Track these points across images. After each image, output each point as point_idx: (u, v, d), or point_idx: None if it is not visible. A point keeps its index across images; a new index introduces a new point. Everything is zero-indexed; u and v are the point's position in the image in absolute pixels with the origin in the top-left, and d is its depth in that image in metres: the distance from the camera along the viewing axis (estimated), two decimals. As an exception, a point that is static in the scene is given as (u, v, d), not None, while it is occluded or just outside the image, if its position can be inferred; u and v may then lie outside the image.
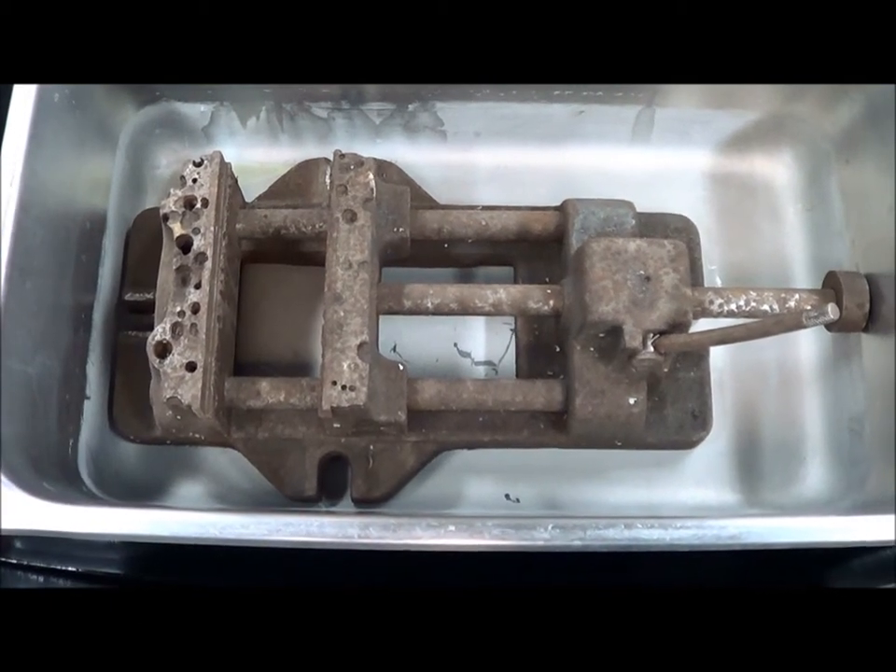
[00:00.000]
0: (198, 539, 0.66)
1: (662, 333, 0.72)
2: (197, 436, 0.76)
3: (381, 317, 0.79)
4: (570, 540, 0.66)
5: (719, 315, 0.76)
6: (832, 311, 0.63)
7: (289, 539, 0.66)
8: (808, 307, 0.76)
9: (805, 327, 0.64)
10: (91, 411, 0.79)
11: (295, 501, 0.77)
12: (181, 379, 0.70)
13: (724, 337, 0.71)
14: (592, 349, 0.75)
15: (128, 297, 0.80)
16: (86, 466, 0.77)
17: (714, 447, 0.82)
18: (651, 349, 0.71)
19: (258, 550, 0.72)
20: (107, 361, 0.80)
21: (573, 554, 0.69)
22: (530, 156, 0.89)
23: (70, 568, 0.75)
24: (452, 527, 0.66)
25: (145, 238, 0.81)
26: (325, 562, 0.74)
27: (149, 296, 0.76)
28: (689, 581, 0.74)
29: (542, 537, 0.66)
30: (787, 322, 0.66)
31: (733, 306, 0.76)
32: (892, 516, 0.68)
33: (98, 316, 0.80)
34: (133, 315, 0.80)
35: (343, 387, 0.70)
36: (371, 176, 0.75)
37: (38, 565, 0.74)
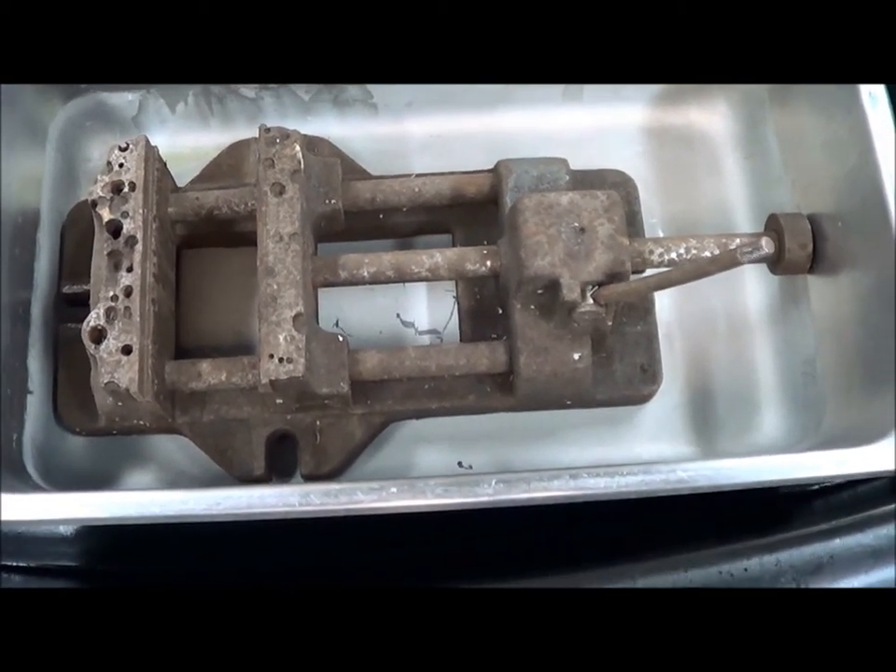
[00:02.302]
0: (140, 519, 0.66)
1: (600, 285, 0.71)
2: (142, 423, 0.75)
3: (322, 293, 0.79)
4: (515, 494, 0.65)
5: (660, 264, 0.76)
6: (766, 244, 0.62)
7: (230, 511, 0.65)
8: (743, 244, 0.75)
9: (740, 263, 0.63)
10: (35, 405, 0.78)
11: (245, 482, 0.76)
12: (117, 363, 0.70)
13: (662, 282, 0.70)
14: (532, 307, 0.74)
15: (66, 289, 0.79)
16: (32, 460, 0.76)
17: (667, 401, 0.81)
18: (591, 301, 0.71)
19: (212, 535, 0.72)
20: (49, 355, 0.79)
21: (525, 512, 0.68)
22: (463, 122, 0.88)
23: (23, 564, 0.74)
24: (394, 489, 0.65)
25: (80, 230, 0.80)
26: (280, 545, 0.74)
27: (87, 287, 0.75)
28: (646, 532, 0.74)
29: (486, 492, 0.65)
30: (722, 260, 0.65)
31: (673, 255, 0.76)
32: (842, 450, 0.68)
33: (37, 311, 0.79)
34: (73, 308, 0.79)
35: (281, 360, 0.69)
36: (298, 148, 0.75)
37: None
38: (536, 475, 0.66)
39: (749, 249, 0.62)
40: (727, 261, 0.65)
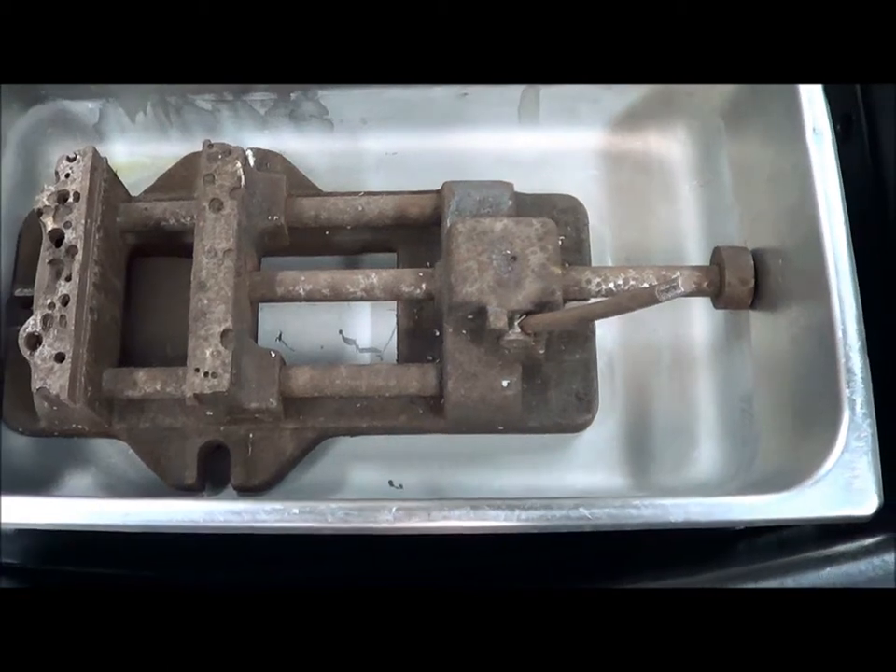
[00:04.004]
0: (52, 525, 0.68)
1: (529, 313, 0.71)
2: (81, 427, 0.77)
3: (266, 306, 0.80)
4: (414, 522, 0.66)
5: (597, 294, 0.75)
6: (682, 284, 0.62)
7: (137, 523, 0.66)
8: (661, 281, 0.74)
9: (658, 301, 0.62)
10: (-21, 404, 0.80)
11: (178, 490, 0.77)
12: (50, 370, 0.71)
13: (585, 314, 0.70)
14: (464, 332, 0.74)
15: (17, 293, 0.81)
16: (-27, 459, 0.79)
17: (604, 430, 0.80)
18: (518, 330, 0.71)
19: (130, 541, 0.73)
20: (-3, 356, 0.81)
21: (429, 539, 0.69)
22: (418, 141, 0.88)
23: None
24: (296, 510, 0.66)
25: (37, 235, 0.81)
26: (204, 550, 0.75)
27: (38, 291, 0.77)
28: (555, 567, 0.73)
29: (385, 519, 0.66)
30: (641, 297, 0.65)
31: (611, 285, 0.75)
32: (756, 496, 0.67)
33: (-13, 312, 0.81)
34: (24, 311, 0.80)
35: (206, 374, 0.71)
36: (239, 165, 0.76)
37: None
38: (436, 504, 0.66)
39: (666, 287, 0.62)
40: (645, 299, 0.64)
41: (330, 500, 0.67)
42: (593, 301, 0.75)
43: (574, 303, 0.75)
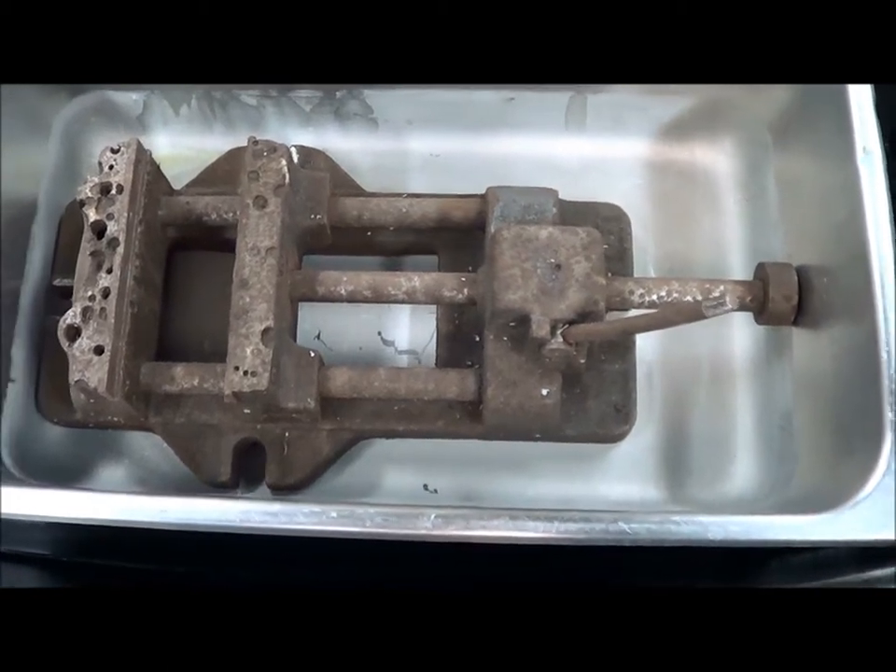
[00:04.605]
0: (86, 520, 0.67)
1: (572, 323, 0.71)
2: (116, 419, 0.77)
3: (306, 305, 0.79)
4: (452, 530, 0.66)
5: (640, 305, 0.75)
6: (730, 300, 0.61)
7: (172, 521, 0.66)
8: (708, 297, 0.74)
9: (705, 317, 0.61)
10: (17, 393, 0.80)
11: (211, 486, 0.77)
12: (88, 362, 0.71)
13: (628, 327, 0.70)
14: (505, 338, 0.73)
15: (56, 282, 0.81)
16: (8, 448, 0.78)
17: (640, 441, 0.80)
18: (560, 339, 0.70)
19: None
20: (34, 345, 0.81)
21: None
22: (463, 144, 0.88)
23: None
24: (334, 514, 0.66)
25: (77, 225, 0.80)
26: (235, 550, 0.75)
27: (76, 281, 0.77)
28: (583, 577, 0.73)
29: (424, 525, 0.65)
30: (687, 312, 0.65)
31: (654, 297, 0.75)
32: (798, 517, 0.67)
33: (26, 301, 0.81)
34: (63, 301, 0.80)
35: (246, 373, 0.70)
36: (284, 163, 0.75)
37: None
38: (475, 513, 0.66)
39: (714, 303, 0.61)
40: (692, 314, 0.64)
41: (368, 504, 0.68)
42: (634, 312, 0.74)
43: (615, 314, 0.75)
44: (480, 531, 0.65)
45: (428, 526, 0.65)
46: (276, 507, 0.67)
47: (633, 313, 0.74)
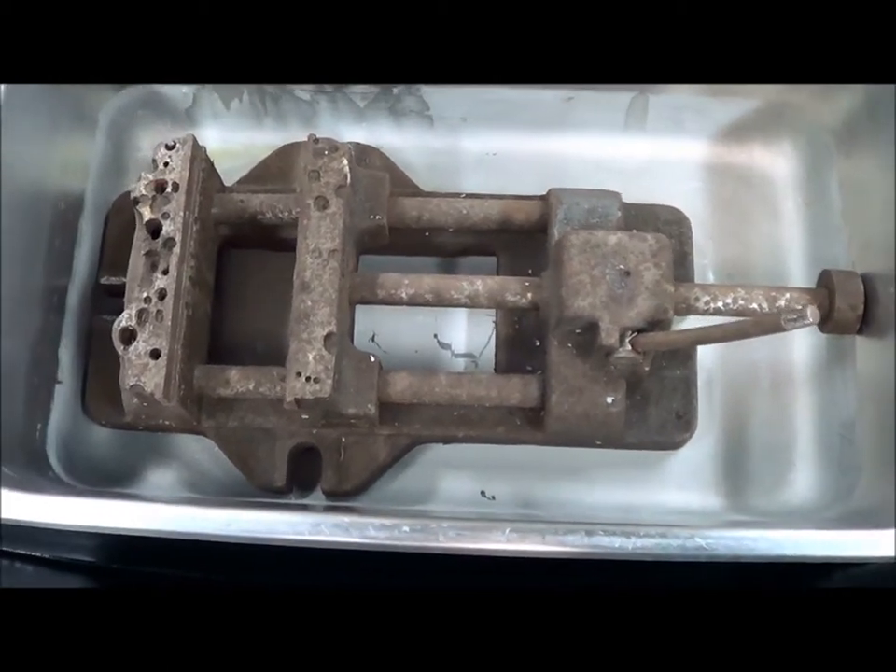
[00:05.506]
0: (144, 532, 0.65)
1: (640, 331, 0.70)
2: (167, 423, 0.75)
3: (359, 307, 0.77)
4: (527, 545, 0.64)
5: (705, 312, 0.73)
6: (811, 314, 0.60)
7: (240, 534, 0.65)
8: (788, 309, 0.73)
9: (784, 330, 0.60)
10: (64, 395, 0.78)
11: (265, 492, 0.76)
12: (145, 366, 0.69)
13: (701, 337, 0.68)
14: (570, 345, 0.72)
15: (104, 280, 0.79)
16: (55, 451, 0.77)
17: (700, 449, 0.79)
18: (629, 347, 0.69)
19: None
20: (82, 345, 0.79)
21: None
22: (519, 143, 0.86)
23: (37, 554, 0.74)
24: (406, 528, 0.64)
25: (124, 221, 0.79)
26: (289, 559, 0.74)
27: (125, 279, 0.74)
28: (651, 585, 0.72)
29: (498, 540, 0.64)
30: (765, 324, 0.63)
31: (720, 304, 0.73)
32: (873, 531, 0.66)
33: (73, 300, 0.79)
34: (110, 299, 0.78)
35: (308, 379, 0.69)
36: (346, 162, 0.73)
37: (5, 549, 0.74)
38: (550, 528, 0.65)
39: (794, 317, 0.60)
40: (770, 326, 0.63)
41: (440, 518, 0.66)
42: (695, 318, 0.74)
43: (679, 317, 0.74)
44: (556, 546, 0.64)
45: (503, 541, 0.64)
46: (347, 519, 0.65)
47: (694, 319, 0.74)
